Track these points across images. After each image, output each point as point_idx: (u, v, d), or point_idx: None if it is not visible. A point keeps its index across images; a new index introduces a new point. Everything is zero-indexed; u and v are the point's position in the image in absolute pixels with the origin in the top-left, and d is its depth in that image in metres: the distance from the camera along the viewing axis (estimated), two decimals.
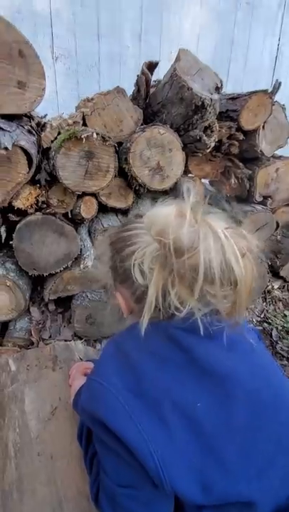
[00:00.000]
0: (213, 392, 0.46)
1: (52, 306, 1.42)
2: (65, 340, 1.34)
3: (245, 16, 2.46)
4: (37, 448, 0.73)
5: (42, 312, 1.41)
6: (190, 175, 1.56)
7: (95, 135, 0.98)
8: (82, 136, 0.96)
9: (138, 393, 0.46)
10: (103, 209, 1.34)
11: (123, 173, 1.26)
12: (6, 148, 0.86)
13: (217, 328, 0.48)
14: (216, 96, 1.21)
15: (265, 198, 1.67)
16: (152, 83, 1.40)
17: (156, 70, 1.37)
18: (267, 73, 2.81)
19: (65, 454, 0.72)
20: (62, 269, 1.28)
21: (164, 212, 0.49)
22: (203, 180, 1.67)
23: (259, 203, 1.66)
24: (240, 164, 1.53)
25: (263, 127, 1.46)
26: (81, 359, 1.00)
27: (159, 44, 2.37)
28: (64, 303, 1.45)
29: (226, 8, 2.39)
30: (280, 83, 1.37)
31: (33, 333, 1.31)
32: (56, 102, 2.21)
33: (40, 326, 1.36)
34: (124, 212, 1.41)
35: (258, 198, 1.62)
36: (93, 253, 1.28)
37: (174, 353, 0.48)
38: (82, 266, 1.21)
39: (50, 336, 1.34)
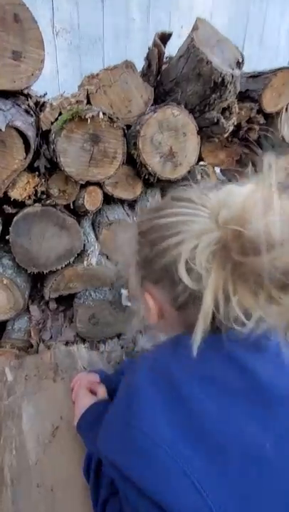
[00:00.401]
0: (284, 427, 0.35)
1: (53, 305, 1.32)
2: (67, 343, 1.25)
3: None
4: (36, 477, 0.64)
5: (42, 311, 1.31)
6: (202, 162, 1.43)
7: (101, 115, 0.85)
8: (87, 116, 0.84)
9: (201, 446, 0.34)
10: (108, 200, 1.22)
11: (130, 161, 1.13)
12: None
13: (277, 344, 0.38)
14: (237, 72, 1.06)
15: None
16: (164, 60, 1.25)
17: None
18: (283, 52, 2.61)
19: (67, 484, 0.63)
20: (63, 265, 1.17)
21: (242, 192, 0.38)
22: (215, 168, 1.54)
23: None
24: (259, 151, 1.39)
25: (287, 109, 1.31)
26: (84, 368, 0.91)
27: (168, 18, 2.18)
28: (66, 301, 1.35)
29: None
30: None
31: (32, 333, 1.21)
32: (57, 82, 2.05)
33: (40, 326, 1.27)
34: (131, 203, 1.29)
35: None
36: (97, 248, 1.17)
37: (236, 379, 0.37)
38: (85, 263, 1.11)
39: (50, 337, 1.25)
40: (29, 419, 0.76)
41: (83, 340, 1.30)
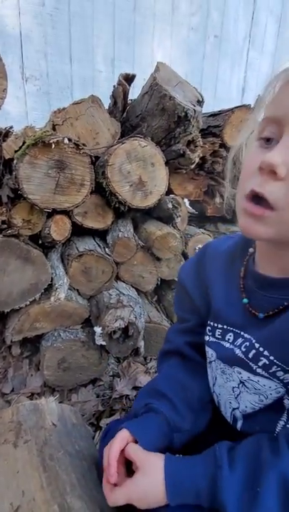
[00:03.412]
0: None
1: (16, 350, 1.16)
2: (32, 394, 1.08)
3: (213, 49, 2.58)
4: None
5: (3, 358, 1.14)
6: (171, 195, 1.45)
7: (66, 140, 0.82)
8: (51, 141, 0.81)
9: None
10: (78, 231, 1.16)
11: (100, 191, 1.11)
12: None
13: None
14: (199, 108, 1.13)
15: None
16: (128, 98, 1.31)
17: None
18: (235, 103, 2.92)
19: None
20: (28, 302, 1.05)
21: None
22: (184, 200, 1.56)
23: None
24: (225, 182, 1.44)
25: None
26: (54, 425, 0.76)
27: (131, 71, 2.38)
28: (33, 345, 1.20)
29: (195, 42, 2.49)
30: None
31: None
32: (26, 123, 2.08)
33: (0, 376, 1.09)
34: (102, 233, 1.24)
35: None
36: (67, 282, 1.07)
37: None
38: (53, 298, 1.00)
39: (12, 390, 1.07)
40: None
41: (52, 391, 1.13)
